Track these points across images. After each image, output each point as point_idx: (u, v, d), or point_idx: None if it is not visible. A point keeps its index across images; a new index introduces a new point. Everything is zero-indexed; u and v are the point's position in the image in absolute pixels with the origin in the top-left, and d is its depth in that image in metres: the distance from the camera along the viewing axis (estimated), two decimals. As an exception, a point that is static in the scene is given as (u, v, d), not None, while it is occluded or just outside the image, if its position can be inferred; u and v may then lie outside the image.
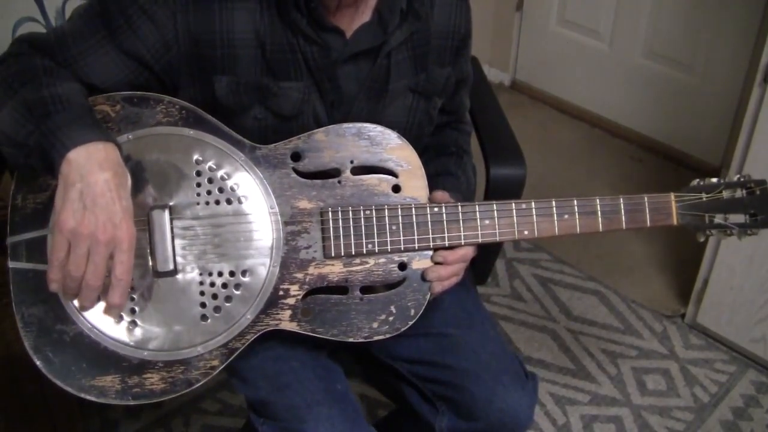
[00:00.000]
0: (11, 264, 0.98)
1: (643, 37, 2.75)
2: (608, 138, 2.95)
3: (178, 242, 1.00)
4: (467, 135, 1.30)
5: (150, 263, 0.99)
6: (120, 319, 0.99)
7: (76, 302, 0.96)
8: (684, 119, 2.73)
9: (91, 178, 0.88)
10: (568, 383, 1.91)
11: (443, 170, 1.21)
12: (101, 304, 0.95)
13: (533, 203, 1.06)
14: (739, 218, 1.08)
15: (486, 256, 1.45)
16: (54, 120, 0.90)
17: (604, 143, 2.93)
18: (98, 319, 0.98)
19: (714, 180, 1.09)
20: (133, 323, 0.99)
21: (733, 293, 1.94)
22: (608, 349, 2.02)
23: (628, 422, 1.81)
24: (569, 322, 2.10)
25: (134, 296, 0.99)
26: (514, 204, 1.05)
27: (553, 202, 1.06)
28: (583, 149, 2.89)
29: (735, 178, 1.08)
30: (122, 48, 1.00)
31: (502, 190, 1.35)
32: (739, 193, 1.08)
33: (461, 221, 1.05)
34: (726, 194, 1.08)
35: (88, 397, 0.98)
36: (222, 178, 1.01)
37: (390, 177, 1.05)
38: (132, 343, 0.99)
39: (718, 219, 1.08)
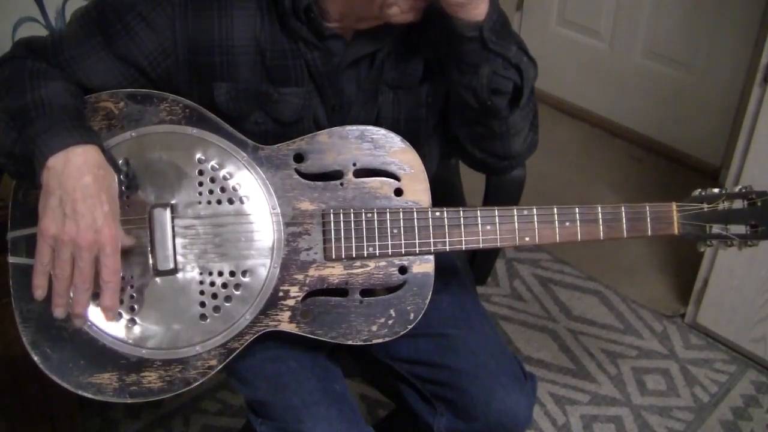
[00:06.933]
0: (11, 259, 0.99)
1: (643, 37, 2.75)
2: (608, 138, 2.95)
3: (178, 241, 1.00)
4: None
5: (150, 261, 0.99)
6: (119, 316, 0.99)
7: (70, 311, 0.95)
8: (684, 119, 2.72)
9: (70, 184, 0.88)
10: (568, 383, 1.91)
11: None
12: (96, 311, 0.96)
13: (535, 209, 1.05)
14: (739, 229, 1.08)
15: (486, 256, 1.45)
16: (35, 126, 0.90)
17: (604, 143, 2.92)
18: (97, 317, 0.98)
19: (715, 190, 1.09)
20: (132, 321, 0.99)
21: (733, 293, 1.94)
22: (608, 349, 2.02)
23: (628, 422, 1.81)
24: (569, 322, 2.10)
25: (134, 294, 0.99)
26: (515, 210, 1.05)
27: (555, 209, 1.05)
28: (583, 149, 2.89)
29: (736, 189, 1.08)
30: (118, 54, 1.00)
31: (503, 191, 1.34)
32: (740, 203, 1.08)
33: (462, 226, 1.04)
34: (727, 205, 1.08)
35: (86, 394, 0.99)
36: (224, 178, 1.01)
37: (392, 180, 1.04)
38: (130, 341, 0.99)
39: (719, 229, 1.08)
